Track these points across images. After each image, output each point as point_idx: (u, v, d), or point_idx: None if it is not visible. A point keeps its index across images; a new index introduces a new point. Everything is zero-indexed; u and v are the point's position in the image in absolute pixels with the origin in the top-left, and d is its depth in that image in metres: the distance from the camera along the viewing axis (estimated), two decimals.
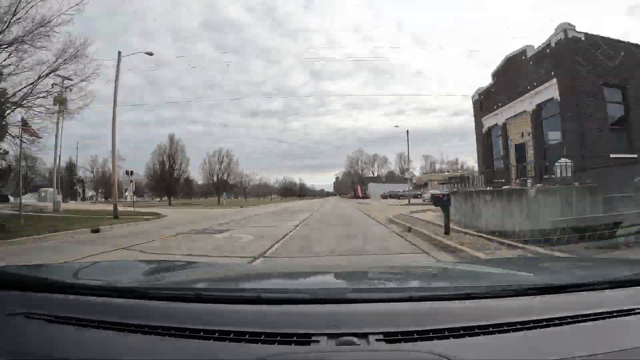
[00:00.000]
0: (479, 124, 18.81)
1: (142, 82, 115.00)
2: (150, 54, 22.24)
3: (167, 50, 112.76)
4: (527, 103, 14.19)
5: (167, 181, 47.09)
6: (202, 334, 0.92)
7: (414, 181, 53.73)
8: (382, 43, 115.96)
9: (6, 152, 16.74)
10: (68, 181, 49.47)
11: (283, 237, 9.57)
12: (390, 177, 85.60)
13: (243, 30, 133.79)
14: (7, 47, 12.09)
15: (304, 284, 1.66)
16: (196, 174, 56.74)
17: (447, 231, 8.28)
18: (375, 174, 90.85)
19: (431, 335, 0.88)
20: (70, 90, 15.40)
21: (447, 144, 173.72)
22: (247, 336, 0.89)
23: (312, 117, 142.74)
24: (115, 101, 18.21)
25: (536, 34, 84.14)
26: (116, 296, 1.14)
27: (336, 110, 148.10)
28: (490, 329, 0.91)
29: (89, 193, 63.06)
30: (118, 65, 18.30)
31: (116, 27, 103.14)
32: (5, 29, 11.84)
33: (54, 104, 15.07)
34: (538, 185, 9.56)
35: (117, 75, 18.21)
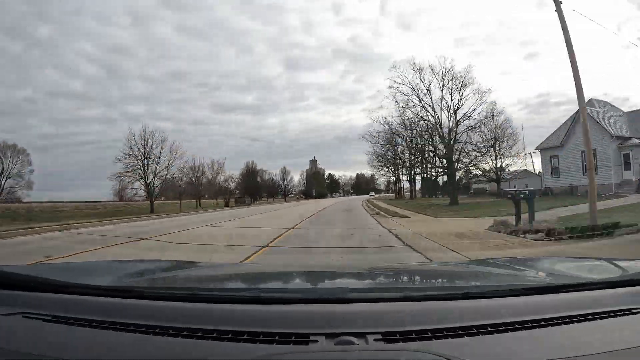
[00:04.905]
0: None
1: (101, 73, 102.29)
2: None
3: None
4: None
5: None
6: (200, 333, 0.91)
7: None
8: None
9: None
10: None
11: None
12: None
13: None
14: None
15: (303, 283, 1.66)
16: None
17: None
18: None
19: (430, 335, 0.89)
20: None
21: None
22: (245, 336, 0.89)
23: (288, 113, 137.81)
24: None
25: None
26: (114, 296, 1.13)
27: (314, 106, 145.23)
28: (489, 329, 0.91)
29: None
30: None
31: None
32: None
33: None
34: None
35: None
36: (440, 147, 29.26)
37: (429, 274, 1.88)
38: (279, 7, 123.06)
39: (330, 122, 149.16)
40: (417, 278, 1.76)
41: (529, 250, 6.46)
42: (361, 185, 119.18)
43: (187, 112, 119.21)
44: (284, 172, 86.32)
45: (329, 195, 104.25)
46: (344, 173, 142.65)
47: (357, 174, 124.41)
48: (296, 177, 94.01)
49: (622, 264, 1.54)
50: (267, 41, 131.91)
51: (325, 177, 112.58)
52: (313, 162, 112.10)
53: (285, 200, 72.22)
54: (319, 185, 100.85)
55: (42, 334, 0.98)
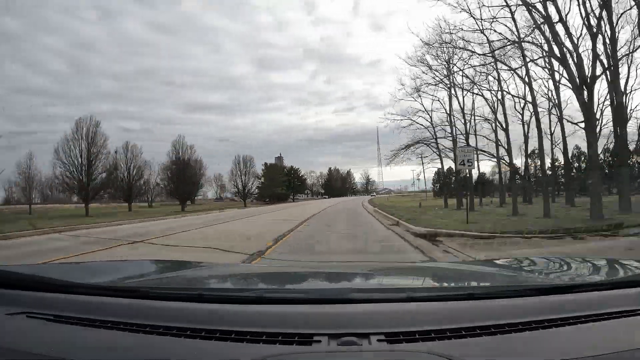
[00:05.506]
0: None
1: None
2: None
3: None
4: None
5: None
6: (203, 333, 0.91)
7: None
8: None
9: None
10: None
11: None
12: None
13: None
14: None
15: (306, 284, 1.66)
16: None
17: None
18: None
19: (432, 335, 0.88)
20: None
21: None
22: (248, 336, 0.89)
23: (258, 113, 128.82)
24: None
25: None
26: (117, 296, 1.13)
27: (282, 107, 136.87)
28: (492, 330, 0.91)
29: None
30: None
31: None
32: None
33: None
34: None
35: None
36: None
37: (432, 275, 1.87)
38: (249, 4, 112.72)
39: (300, 123, 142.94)
40: (421, 278, 1.77)
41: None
42: (334, 184, 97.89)
43: (155, 111, 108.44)
44: (177, 145, 39.25)
45: (291, 197, 72.85)
46: (313, 169, 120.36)
47: (330, 168, 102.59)
48: (225, 170, 59.56)
49: (627, 264, 1.54)
50: (237, 39, 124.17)
51: (285, 171, 78.60)
52: (279, 158, 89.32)
53: (182, 210, 32.07)
54: (274, 182, 65.45)
55: (45, 334, 0.98)
